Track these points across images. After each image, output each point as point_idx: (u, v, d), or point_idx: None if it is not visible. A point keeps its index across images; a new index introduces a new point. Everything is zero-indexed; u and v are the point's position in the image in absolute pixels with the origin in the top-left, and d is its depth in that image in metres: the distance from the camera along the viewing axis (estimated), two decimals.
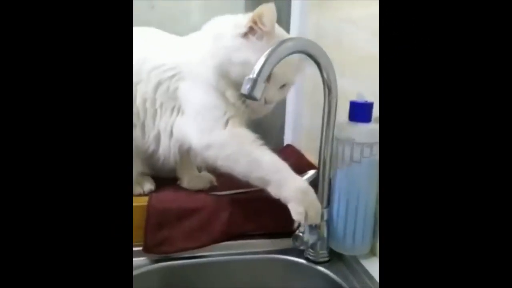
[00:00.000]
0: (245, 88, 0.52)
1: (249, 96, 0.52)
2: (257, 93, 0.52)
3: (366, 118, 0.61)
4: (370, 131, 0.60)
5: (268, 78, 0.63)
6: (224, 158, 0.64)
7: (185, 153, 0.71)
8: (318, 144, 0.64)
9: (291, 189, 0.62)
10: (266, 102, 0.66)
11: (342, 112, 0.63)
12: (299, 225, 0.66)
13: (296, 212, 0.61)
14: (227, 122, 0.66)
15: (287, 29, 0.97)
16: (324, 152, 0.64)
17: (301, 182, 0.63)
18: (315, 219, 0.63)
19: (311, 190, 0.63)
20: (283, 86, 0.68)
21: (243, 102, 0.66)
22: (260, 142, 0.66)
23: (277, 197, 0.62)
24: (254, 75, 0.52)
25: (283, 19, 0.97)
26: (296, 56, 0.67)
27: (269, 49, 0.53)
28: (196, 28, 0.73)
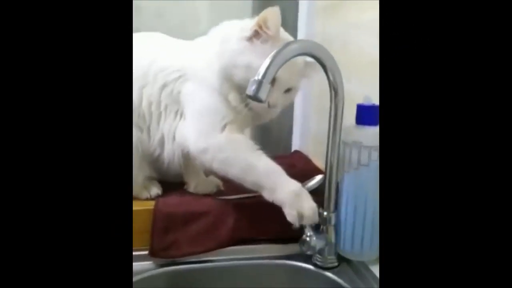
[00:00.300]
0: (250, 90, 0.52)
1: (254, 98, 0.52)
2: (263, 95, 0.52)
3: (373, 121, 0.60)
4: (377, 134, 0.59)
5: (272, 82, 0.62)
6: (220, 161, 0.65)
7: (188, 156, 0.71)
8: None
9: (285, 192, 0.62)
10: (269, 105, 0.66)
11: (349, 116, 0.62)
12: (301, 229, 0.65)
13: (290, 214, 0.61)
14: (224, 127, 0.67)
15: (294, 33, 0.97)
16: (331, 155, 0.63)
17: (294, 185, 0.63)
18: (312, 219, 0.62)
19: (304, 192, 0.63)
20: (288, 90, 0.68)
21: (246, 105, 0.66)
22: (256, 147, 0.66)
23: (271, 201, 0.63)
24: (260, 77, 0.52)
25: (290, 24, 0.98)
26: (301, 60, 0.67)
27: (275, 51, 0.53)
28: (203, 35, 0.73)
